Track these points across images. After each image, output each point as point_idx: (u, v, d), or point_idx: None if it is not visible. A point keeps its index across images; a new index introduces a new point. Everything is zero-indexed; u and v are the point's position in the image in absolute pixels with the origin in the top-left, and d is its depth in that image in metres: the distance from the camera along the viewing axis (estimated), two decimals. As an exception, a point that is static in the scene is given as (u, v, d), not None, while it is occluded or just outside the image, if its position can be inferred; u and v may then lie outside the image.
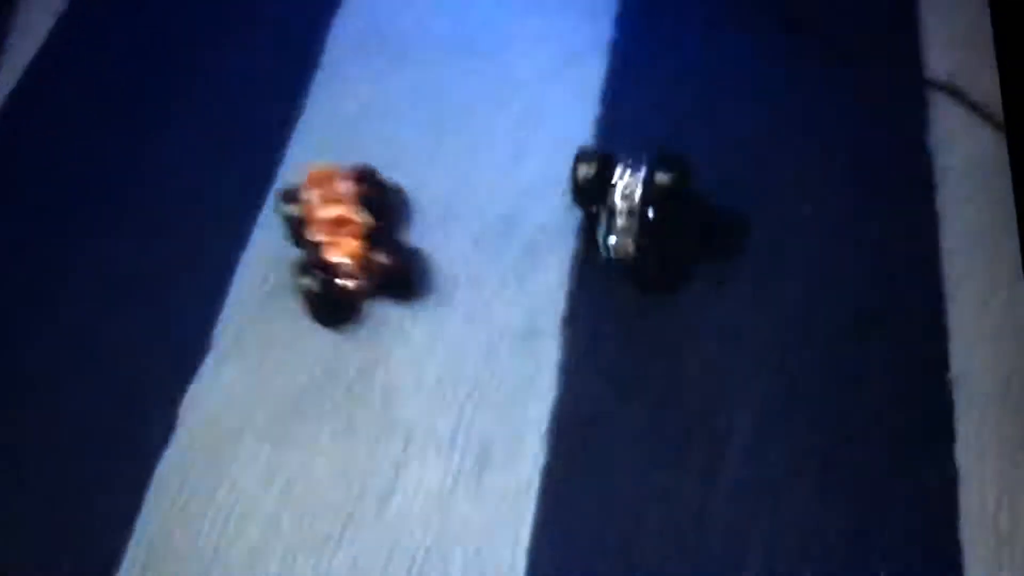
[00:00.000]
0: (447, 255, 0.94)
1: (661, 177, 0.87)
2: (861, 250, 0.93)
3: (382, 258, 0.86)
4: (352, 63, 1.09)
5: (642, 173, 0.87)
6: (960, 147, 0.99)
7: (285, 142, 1.04)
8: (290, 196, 0.89)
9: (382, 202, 0.91)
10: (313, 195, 0.87)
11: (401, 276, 0.88)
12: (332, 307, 0.87)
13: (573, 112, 1.05)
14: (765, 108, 1.04)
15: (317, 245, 0.85)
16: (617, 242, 0.87)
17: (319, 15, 1.13)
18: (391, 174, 0.99)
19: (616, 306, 0.91)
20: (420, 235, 0.96)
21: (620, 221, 0.86)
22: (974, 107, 1.01)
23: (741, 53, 1.10)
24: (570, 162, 0.93)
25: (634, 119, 1.04)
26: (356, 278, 0.85)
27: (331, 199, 0.86)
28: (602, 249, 0.88)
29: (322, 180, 0.88)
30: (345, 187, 0.88)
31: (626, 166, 0.88)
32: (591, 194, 0.89)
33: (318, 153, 1.01)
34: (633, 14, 1.12)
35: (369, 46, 1.10)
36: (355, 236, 0.85)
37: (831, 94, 1.05)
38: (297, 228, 0.87)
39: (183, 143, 1.06)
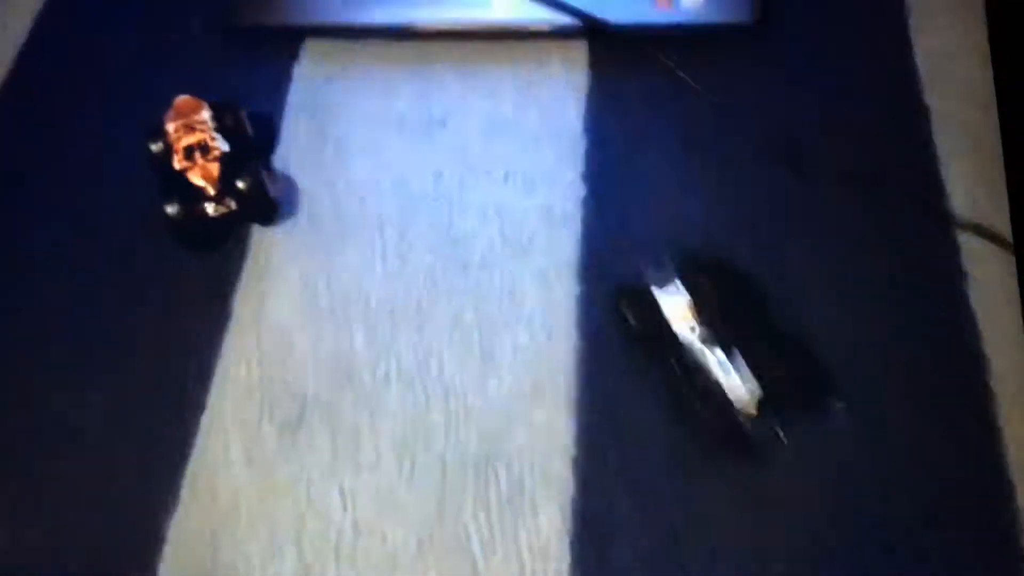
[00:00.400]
0: (406, 515, 0.77)
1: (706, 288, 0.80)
2: (912, 470, 0.78)
3: (242, 184, 0.89)
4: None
5: (683, 294, 0.80)
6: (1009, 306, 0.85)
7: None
8: (153, 132, 0.91)
9: (242, 131, 0.94)
10: (175, 126, 0.90)
11: (263, 200, 0.91)
12: (197, 233, 0.91)
13: (547, 291, 0.89)
14: (768, 266, 0.89)
15: (180, 172, 0.88)
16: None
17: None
18: (331, 392, 0.84)
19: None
20: (373, 472, 0.80)
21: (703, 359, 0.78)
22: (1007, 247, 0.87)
23: (739, 195, 0.94)
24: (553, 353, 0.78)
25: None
26: (218, 203, 0.88)
27: (191, 127, 0.90)
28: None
29: (183, 111, 0.91)
30: (205, 116, 0.91)
31: (663, 290, 0.81)
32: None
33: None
34: (605, 165, 0.96)
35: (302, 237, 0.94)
36: (215, 162, 0.88)
37: (854, 245, 0.90)
38: (162, 161, 0.90)
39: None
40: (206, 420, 0.83)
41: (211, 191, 0.88)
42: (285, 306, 0.90)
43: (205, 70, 1.07)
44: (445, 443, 0.80)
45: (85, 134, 1.03)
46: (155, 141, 0.91)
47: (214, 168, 0.88)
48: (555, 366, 0.84)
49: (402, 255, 0.92)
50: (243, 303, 0.90)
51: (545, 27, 1.06)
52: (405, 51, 1.07)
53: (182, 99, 0.93)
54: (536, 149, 0.98)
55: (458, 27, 1.07)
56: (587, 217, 0.93)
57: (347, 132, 1.01)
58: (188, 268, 0.93)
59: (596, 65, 1.04)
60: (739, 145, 0.96)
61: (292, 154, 1.00)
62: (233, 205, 0.90)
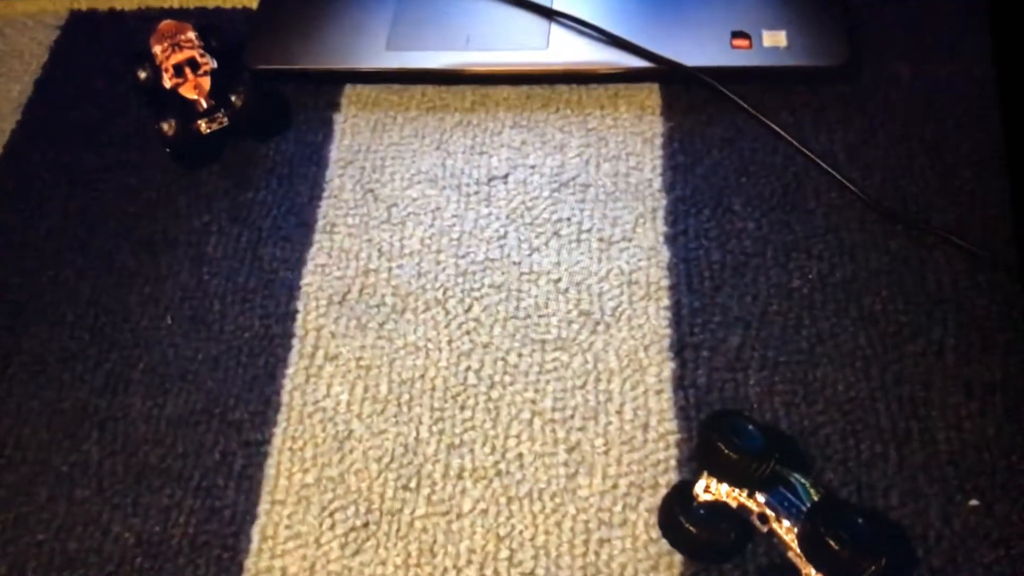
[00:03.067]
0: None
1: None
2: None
3: (236, 97, 0.91)
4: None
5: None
6: None
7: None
8: (139, 57, 0.94)
9: (227, 52, 0.96)
10: (162, 46, 0.92)
11: (256, 114, 0.93)
12: (191, 150, 0.93)
13: (638, 373, 0.79)
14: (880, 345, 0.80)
15: (171, 90, 0.91)
16: None
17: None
18: (397, 495, 0.73)
19: None
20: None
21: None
22: None
23: (851, 259, 0.85)
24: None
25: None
26: (210, 119, 0.91)
27: (179, 46, 0.92)
28: None
29: (168, 32, 0.93)
30: (192, 35, 0.93)
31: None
32: None
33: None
34: (690, 226, 0.86)
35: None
36: (206, 76, 0.91)
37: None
38: (151, 85, 0.93)
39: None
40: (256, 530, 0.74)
41: (203, 104, 0.90)
42: (341, 395, 0.80)
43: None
44: (535, 560, 0.70)
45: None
46: (142, 67, 0.93)
47: (205, 82, 0.91)
48: (656, 463, 0.74)
49: (470, 332, 0.82)
50: (292, 393, 0.80)
51: (610, 70, 0.96)
52: (456, 98, 0.98)
53: (166, 22, 0.94)
54: (611, 207, 0.89)
55: (512, 70, 0.98)
56: (675, 286, 0.83)
57: (398, 191, 0.91)
58: (229, 349, 0.83)
59: (670, 111, 0.94)
60: (841, 201, 0.86)
61: (337, 215, 0.90)
62: (225, 120, 0.91)
